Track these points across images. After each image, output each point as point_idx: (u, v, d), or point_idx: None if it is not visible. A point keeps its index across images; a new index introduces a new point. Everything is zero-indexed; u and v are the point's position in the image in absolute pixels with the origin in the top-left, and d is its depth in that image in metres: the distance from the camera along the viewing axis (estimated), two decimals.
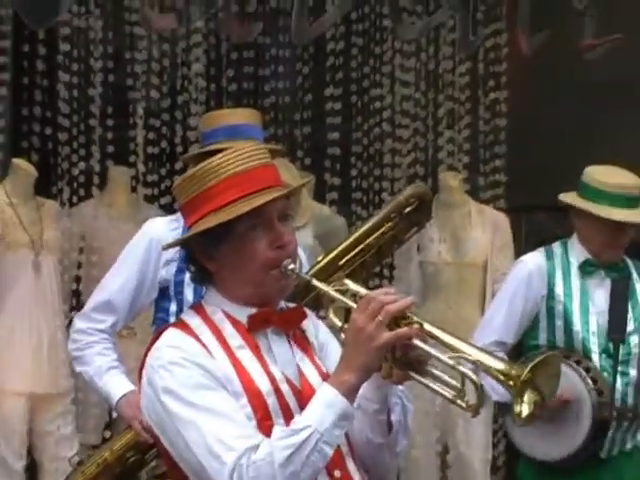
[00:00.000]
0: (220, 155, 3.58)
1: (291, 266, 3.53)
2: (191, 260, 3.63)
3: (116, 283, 5.42)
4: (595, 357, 5.97)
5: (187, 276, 5.24)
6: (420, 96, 7.80)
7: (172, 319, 5.24)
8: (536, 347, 6.07)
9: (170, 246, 3.83)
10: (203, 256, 3.57)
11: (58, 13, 6.97)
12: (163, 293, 5.39)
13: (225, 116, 5.73)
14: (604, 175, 5.96)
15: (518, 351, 6.14)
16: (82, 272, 7.20)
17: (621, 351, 5.96)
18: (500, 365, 3.41)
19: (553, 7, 7.39)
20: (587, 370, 5.91)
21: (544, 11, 7.39)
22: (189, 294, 5.29)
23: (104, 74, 7.36)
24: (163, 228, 5.41)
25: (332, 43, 7.64)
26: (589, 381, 5.86)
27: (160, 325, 5.37)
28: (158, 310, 5.47)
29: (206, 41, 7.44)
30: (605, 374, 5.92)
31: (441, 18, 7.64)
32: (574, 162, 6.23)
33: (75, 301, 6.63)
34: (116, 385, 5.32)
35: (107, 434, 6.70)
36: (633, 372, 6.00)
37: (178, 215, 5.46)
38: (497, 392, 5.82)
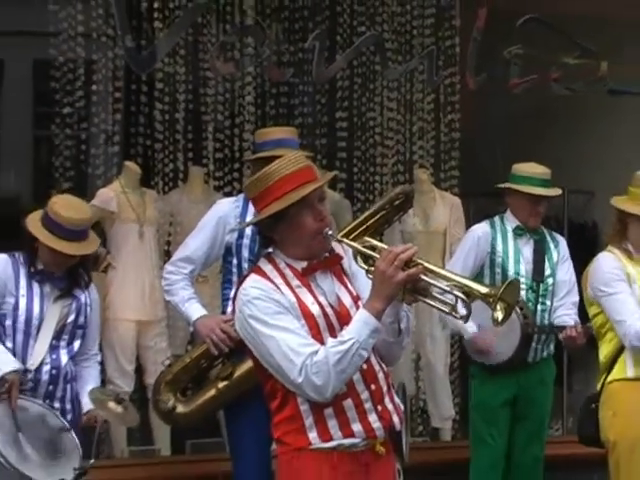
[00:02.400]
0: (276, 162, 3.66)
1: (330, 232, 3.62)
2: (260, 232, 3.73)
3: (194, 244, 5.47)
4: (523, 293, 6.00)
5: (244, 240, 5.43)
6: (400, 118, 7.77)
7: (234, 269, 5.40)
8: None
9: (246, 225, 3.94)
10: (269, 230, 3.65)
11: (154, 63, 7.11)
12: (228, 251, 5.43)
13: (273, 132, 5.77)
14: (526, 167, 6.04)
15: None
16: (171, 238, 7.24)
17: (541, 288, 6.06)
18: (481, 288, 3.52)
19: (491, 57, 7.38)
20: (518, 302, 5.96)
21: (485, 60, 7.42)
22: (245, 252, 5.34)
23: (185, 103, 7.35)
24: (227, 207, 5.49)
25: (340, 81, 7.66)
26: (518, 310, 5.87)
27: (226, 274, 5.55)
28: (224, 263, 5.53)
29: (255, 81, 7.41)
30: (530, 304, 6.01)
31: (414, 65, 7.66)
32: (506, 163, 6.30)
33: (166, 258, 6.57)
34: (193, 311, 5.39)
35: (189, 347, 6.58)
36: (548, 302, 6.08)
37: (237, 197, 5.61)
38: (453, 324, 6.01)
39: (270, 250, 3.71)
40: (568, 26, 7.62)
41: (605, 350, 5.17)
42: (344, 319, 3.59)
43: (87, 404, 5.08)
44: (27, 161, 9.73)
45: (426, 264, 3.52)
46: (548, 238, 6.24)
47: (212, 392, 5.42)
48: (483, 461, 6.19)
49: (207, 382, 5.46)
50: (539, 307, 6.09)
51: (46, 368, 4.96)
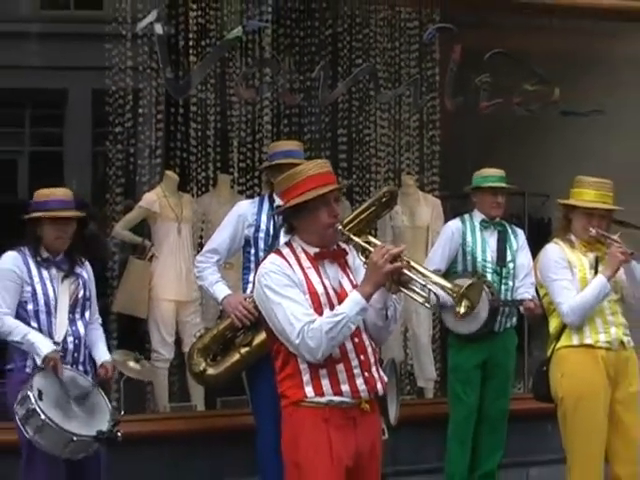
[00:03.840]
0: (305, 164, 3.76)
1: (339, 227, 3.66)
2: (285, 220, 3.76)
3: (219, 238, 5.54)
4: (489, 275, 6.10)
5: (260, 234, 5.45)
6: (391, 134, 7.74)
7: (252, 258, 5.46)
8: (455, 272, 6.17)
9: (279, 212, 3.94)
10: (292, 217, 3.69)
11: (189, 90, 7.09)
12: (247, 243, 5.47)
13: (281, 145, 5.86)
14: (483, 171, 6.12)
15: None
16: (203, 233, 7.21)
17: (504, 271, 6.12)
18: (449, 285, 3.62)
19: (464, 84, 7.34)
20: (485, 282, 6.02)
21: (460, 86, 7.39)
22: (261, 244, 5.40)
23: (215, 123, 7.31)
24: (245, 207, 5.57)
25: (341, 104, 7.63)
26: (486, 288, 5.97)
27: (245, 262, 5.59)
28: (244, 253, 5.57)
29: (271, 104, 7.38)
30: (495, 284, 6.06)
31: (402, 90, 7.62)
32: (477, 170, 6.28)
33: (199, 249, 6.50)
34: (220, 291, 5.43)
35: (218, 321, 6.44)
36: (510, 283, 6.15)
37: (254, 199, 5.68)
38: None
39: (290, 238, 3.74)
40: (527, 58, 7.61)
41: (554, 323, 5.17)
42: (342, 300, 3.61)
43: (99, 359, 5.06)
44: (87, 172, 9.77)
45: (411, 262, 3.57)
46: (509, 230, 6.29)
47: (236, 357, 5.47)
48: (459, 414, 6.23)
49: (232, 349, 5.50)
50: (503, 287, 6.14)
51: (70, 339, 4.93)
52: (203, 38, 7.23)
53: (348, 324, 3.51)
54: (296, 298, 3.56)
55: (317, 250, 3.68)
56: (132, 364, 5.19)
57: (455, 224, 6.26)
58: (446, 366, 6.57)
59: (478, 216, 6.23)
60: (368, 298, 3.53)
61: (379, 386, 3.71)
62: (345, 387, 3.60)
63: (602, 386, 4.97)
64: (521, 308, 6.04)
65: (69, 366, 4.89)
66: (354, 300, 3.53)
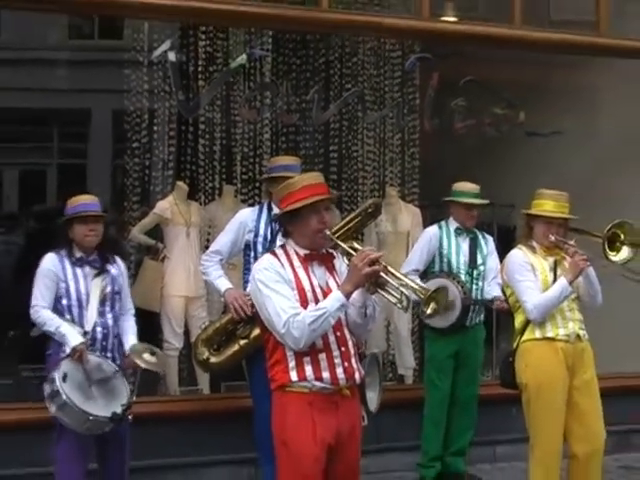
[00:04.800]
0: (301, 176, 3.76)
1: (328, 233, 3.61)
2: (281, 225, 3.72)
3: (222, 241, 5.48)
4: (462, 276, 6.05)
5: (259, 239, 5.39)
6: (376, 150, 7.72)
7: (251, 260, 5.34)
8: (433, 272, 6.13)
9: (275, 218, 3.91)
10: (287, 222, 3.65)
11: (198, 110, 7.07)
12: (247, 247, 5.43)
13: (280, 159, 5.81)
14: (461, 185, 6.07)
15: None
16: (209, 237, 7.14)
17: (474, 273, 6.08)
18: (419, 288, 3.59)
19: (441, 107, 7.32)
20: (459, 282, 5.99)
21: (438, 109, 7.36)
22: (260, 248, 5.33)
23: (220, 139, 7.30)
24: (246, 214, 5.51)
25: (332, 124, 7.63)
26: (460, 287, 5.94)
27: (245, 263, 5.54)
28: (244, 256, 5.52)
29: (270, 123, 7.37)
30: (467, 284, 6.02)
31: (386, 112, 7.61)
32: (452, 183, 6.26)
33: (206, 251, 6.49)
34: (222, 284, 5.39)
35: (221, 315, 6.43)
36: (480, 283, 6.11)
37: (254, 207, 5.61)
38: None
39: (285, 241, 3.71)
40: (497, 86, 7.61)
41: (519, 319, 5.13)
42: (325, 297, 3.57)
43: (127, 350, 5.05)
44: (107, 182, 9.80)
45: (388, 267, 3.53)
46: (480, 237, 6.27)
47: (236, 347, 5.43)
48: (434, 398, 6.21)
49: (232, 340, 5.46)
50: (474, 286, 6.10)
51: (98, 329, 4.92)
52: (211, 65, 7.25)
53: (329, 318, 3.48)
54: (284, 293, 3.53)
55: (307, 252, 3.65)
56: (147, 356, 5.13)
57: (433, 230, 6.24)
58: (423, 356, 6.55)
59: (453, 224, 6.20)
60: (348, 296, 3.50)
61: (357, 376, 3.68)
62: (326, 374, 3.58)
63: (561, 375, 4.95)
64: (492, 305, 6.01)
65: (97, 353, 4.90)
66: (335, 297, 3.51)
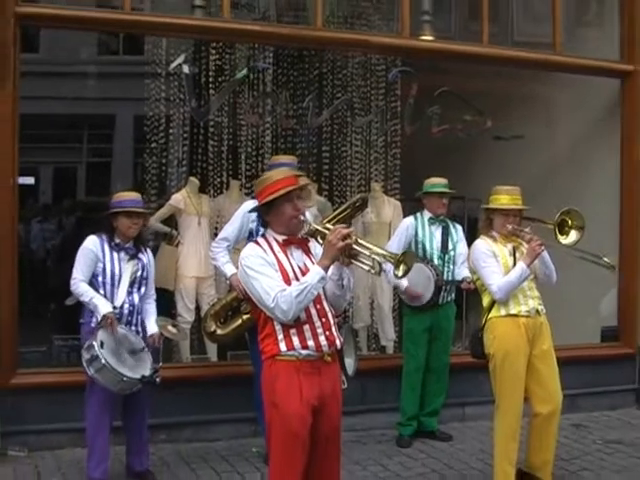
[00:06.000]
0: (272, 171, 3.64)
1: (302, 218, 3.53)
2: (260, 216, 3.63)
3: (229, 229, 5.43)
4: (435, 260, 5.98)
5: (260, 227, 5.31)
6: (363, 151, 7.64)
7: None
8: None
9: (252, 211, 3.80)
10: (264, 213, 3.56)
11: (208, 115, 6.94)
12: (250, 234, 5.35)
13: (279, 158, 5.75)
14: (432, 180, 6.03)
15: None
16: (218, 225, 7.07)
17: (446, 257, 6.01)
18: (388, 254, 3.40)
19: (420, 114, 7.22)
20: (432, 265, 5.94)
21: (416, 115, 7.24)
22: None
23: (227, 141, 7.21)
24: (250, 206, 5.31)
25: (325, 127, 7.54)
26: (433, 269, 5.87)
27: None
28: (248, 241, 5.23)
29: (271, 127, 7.28)
30: (440, 267, 5.96)
31: (372, 117, 7.50)
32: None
33: (214, 237, 6.40)
34: (229, 270, 5.33)
35: (227, 293, 6.40)
36: (451, 266, 6.05)
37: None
38: (394, 282, 5.90)
39: (265, 231, 3.63)
40: (467, 96, 7.51)
41: (485, 299, 5.07)
42: (305, 275, 3.50)
43: (150, 329, 5.06)
44: (129, 178, 9.66)
45: (358, 239, 3.43)
46: (451, 226, 6.21)
47: (239, 321, 5.43)
48: (411, 366, 6.16)
49: (236, 315, 5.44)
50: (445, 269, 6.05)
51: (126, 306, 4.94)
52: (219, 76, 7.18)
53: (312, 290, 3.42)
54: (270, 274, 3.46)
55: (285, 237, 3.57)
56: (170, 328, 5.17)
57: (409, 220, 6.20)
58: (402, 329, 6.50)
59: (427, 214, 6.16)
60: (326, 269, 3.43)
61: (337, 342, 3.62)
62: (311, 342, 3.51)
63: (523, 346, 4.91)
64: (462, 285, 5.96)
65: (124, 326, 4.91)
66: (315, 271, 3.44)
